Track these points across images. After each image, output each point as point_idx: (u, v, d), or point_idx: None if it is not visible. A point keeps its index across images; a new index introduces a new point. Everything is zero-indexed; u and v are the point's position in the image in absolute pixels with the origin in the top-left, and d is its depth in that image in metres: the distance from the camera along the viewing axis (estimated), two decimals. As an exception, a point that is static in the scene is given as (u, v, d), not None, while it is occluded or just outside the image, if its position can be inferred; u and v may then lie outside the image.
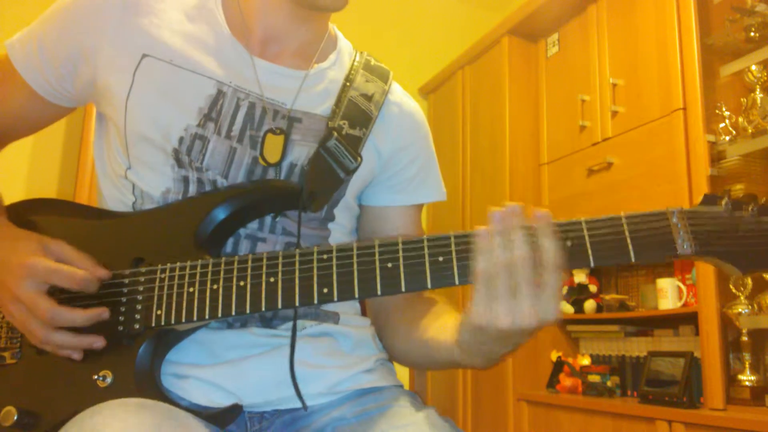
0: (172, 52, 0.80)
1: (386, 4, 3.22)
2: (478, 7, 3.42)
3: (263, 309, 0.69)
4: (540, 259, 0.61)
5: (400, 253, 0.67)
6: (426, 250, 0.66)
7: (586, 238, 0.65)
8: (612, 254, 0.65)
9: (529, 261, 0.61)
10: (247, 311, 0.69)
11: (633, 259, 0.64)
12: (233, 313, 0.70)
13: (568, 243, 0.65)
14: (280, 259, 0.70)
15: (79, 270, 0.72)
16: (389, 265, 0.67)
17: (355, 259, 0.68)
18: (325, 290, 0.68)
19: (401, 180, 0.91)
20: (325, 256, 0.69)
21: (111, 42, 0.80)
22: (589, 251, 0.64)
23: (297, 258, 0.70)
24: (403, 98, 0.94)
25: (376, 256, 0.68)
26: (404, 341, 0.87)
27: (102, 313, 0.72)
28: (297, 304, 0.68)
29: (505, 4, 3.30)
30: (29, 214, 0.82)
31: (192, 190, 0.79)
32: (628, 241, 0.65)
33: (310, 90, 0.86)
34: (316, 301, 0.68)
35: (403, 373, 2.95)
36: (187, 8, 0.84)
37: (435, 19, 3.33)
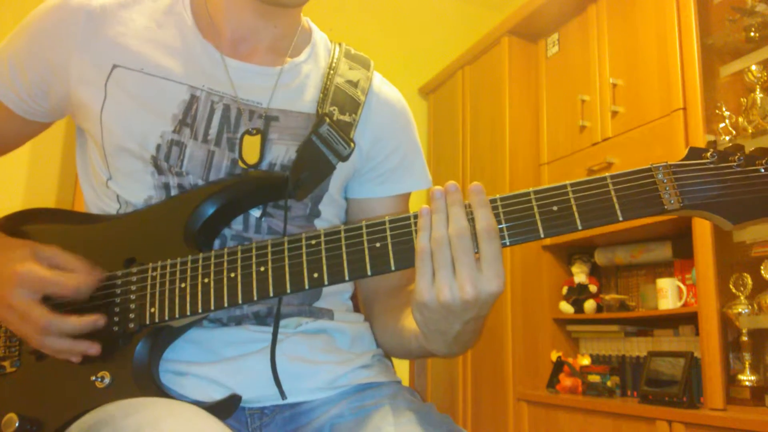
0: (143, 61, 0.80)
1: (386, 4, 3.22)
2: (478, 7, 3.42)
3: (255, 299, 0.69)
4: (477, 229, 0.62)
5: (388, 233, 0.67)
6: (413, 227, 0.67)
7: (572, 201, 0.64)
8: (599, 215, 0.64)
9: (465, 233, 0.62)
10: (239, 302, 0.70)
11: (620, 219, 0.64)
12: (226, 305, 0.70)
13: (555, 208, 0.64)
14: (269, 248, 0.70)
15: (71, 279, 0.72)
16: (377, 245, 0.67)
17: (343, 242, 0.68)
18: (316, 275, 0.68)
19: (384, 171, 0.91)
20: (313, 242, 0.69)
21: (80, 56, 0.80)
22: (576, 214, 0.64)
23: (286, 245, 0.70)
24: (382, 87, 0.93)
25: (364, 237, 0.68)
26: (383, 331, 0.88)
27: (97, 320, 0.72)
28: (288, 291, 0.68)
29: (505, 3, 3.30)
30: (20, 226, 0.82)
31: (174, 195, 0.79)
32: (615, 200, 0.64)
33: (285, 87, 0.85)
34: (307, 287, 0.68)
35: (403, 373, 2.94)
36: (156, 14, 0.84)
37: (435, 19, 3.33)
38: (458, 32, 3.28)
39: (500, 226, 0.65)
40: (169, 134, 0.78)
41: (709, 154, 0.65)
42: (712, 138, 1.79)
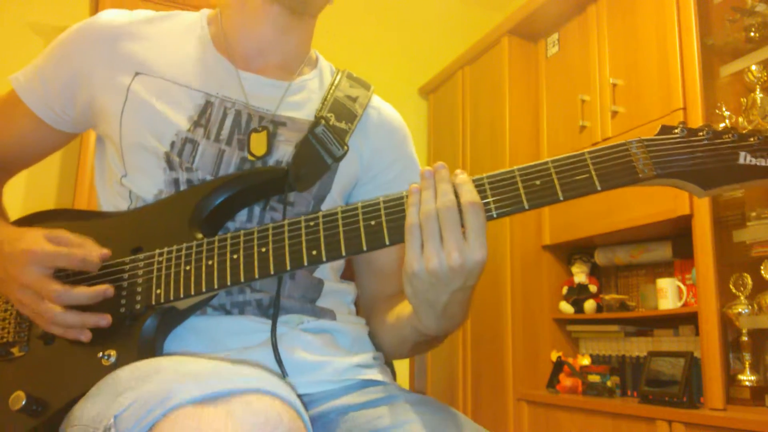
0: (163, 70, 0.86)
1: (386, 4, 3.22)
2: (478, 7, 3.42)
3: (256, 276, 0.72)
4: (462, 203, 0.67)
5: (382, 211, 0.71)
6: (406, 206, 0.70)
7: (553, 175, 0.69)
8: (578, 185, 0.69)
9: (452, 206, 0.67)
10: (242, 280, 0.72)
11: (599, 188, 0.69)
12: (228, 283, 0.72)
13: (537, 182, 0.69)
14: (270, 230, 0.74)
15: (78, 249, 0.76)
16: (372, 222, 0.71)
17: (340, 222, 0.72)
18: (314, 252, 0.71)
19: (385, 180, 0.95)
20: (312, 223, 0.73)
21: (104, 66, 0.86)
22: (557, 186, 0.69)
23: (286, 228, 0.73)
24: (381, 105, 0.99)
25: (360, 216, 0.72)
26: (381, 329, 0.91)
27: (106, 290, 0.75)
28: (288, 267, 0.71)
29: (505, 4, 3.30)
30: (33, 224, 0.86)
31: (181, 190, 0.83)
32: (593, 172, 0.69)
33: (292, 98, 0.91)
34: (306, 263, 0.71)
35: (403, 372, 2.95)
36: (176, 32, 0.91)
37: (435, 19, 3.33)
38: (458, 32, 3.28)
39: (487, 200, 0.69)
40: (183, 133, 0.83)
41: (678, 129, 0.71)
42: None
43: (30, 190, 2.42)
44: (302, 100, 0.91)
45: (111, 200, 0.88)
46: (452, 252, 0.65)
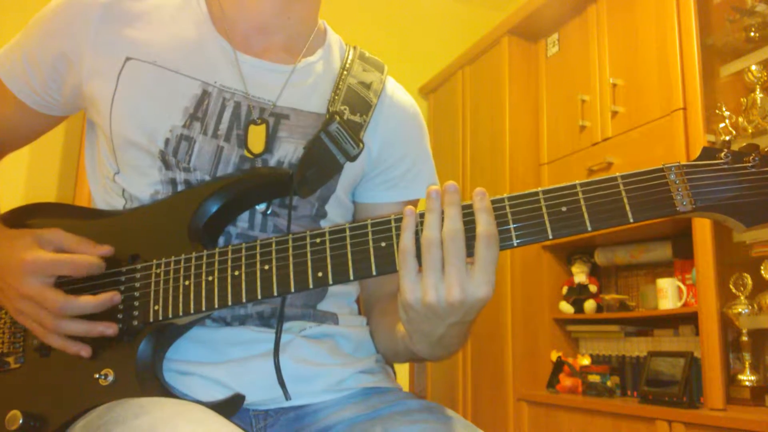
0: (156, 53, 0.79)
1: (386, 4, 3.22)
2: (478, 7, 3.42)
3: (259, 297, 0.69)
4: (478, 233, 0.61)
5: (393, 232, 0.66)
6: (420, 227, 0.65)
7: (582, 201, 0.63)
8: (609, 216, 0.63)
9: (459, 235, 0.61)
10: (243, 300, 0.69)
11: (631, 220, 0.62)
12: (230, 303, 0.69)
13: (563, 209, 0.63)
14: (274, 246, 0.70)
15: (80, 255, 0.72)
16: (383, 244, 0.66)
17: (348, 241, 0.67)
18: (320, 274, 0.67)
19: (393, 176, 0.90)
20: (318, 240, 0.68)
21: (94, 48, 0.79)
22: (585, 215, 0.63)
23: (290, 243, 0.69)
24: (395, 92, 0.92)
25: (369, 236, 0.67)
26: (377, 331, 0.88)
27: (113, 297, 0.72)
28: (292, 290, 0.68)
29: (505, 4, 3.30)
30: (25, 219, 0.82)
31: (179, 191, 0.78)
32: (625, 201, 0.63)
33: (297, 85, 0.84)
34: (311, 286, 0.67)
35: (403, 373, 2.95)
36: (170, 7, 0.83)
37: (435, 19, 3.33)
38: (458, 32, 3.27)
39: (507, 226, 0.64)
40: (178, 129, 0.78)
41: (723, 154, 0.63)
42: (712, 138, 1.80)
43: (30, 187, 2.42)
44: (308, 87, 0.84)
45: (105, 197, 0.83)
46: (453, 286, 0.60)
